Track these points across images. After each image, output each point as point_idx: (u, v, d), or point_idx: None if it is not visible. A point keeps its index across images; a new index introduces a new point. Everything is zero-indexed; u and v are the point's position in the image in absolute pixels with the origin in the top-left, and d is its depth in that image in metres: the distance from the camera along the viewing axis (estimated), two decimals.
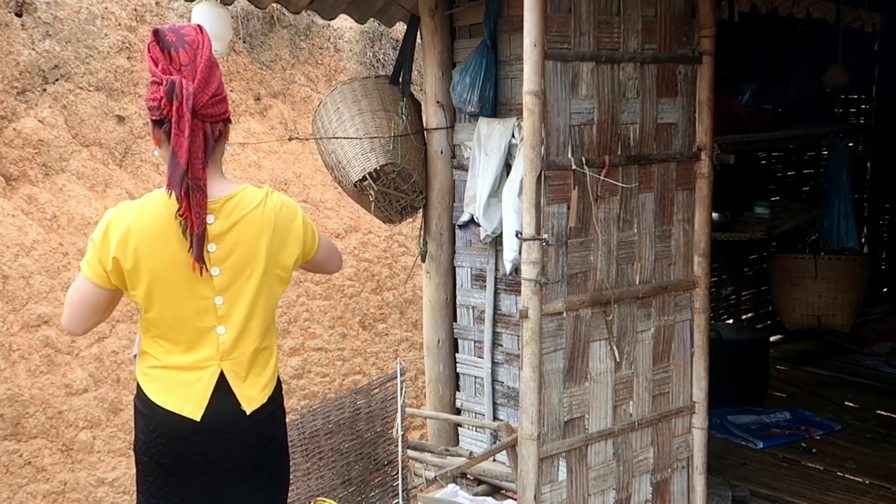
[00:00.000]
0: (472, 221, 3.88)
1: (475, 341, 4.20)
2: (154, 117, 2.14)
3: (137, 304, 2.22)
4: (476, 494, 4.13)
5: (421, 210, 4.28)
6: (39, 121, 5.64)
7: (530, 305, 3.09)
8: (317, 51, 7.65)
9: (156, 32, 2.14)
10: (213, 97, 2.13)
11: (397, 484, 3.50)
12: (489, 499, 4.11)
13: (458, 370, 4.31)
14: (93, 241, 2.17)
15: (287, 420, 2.55)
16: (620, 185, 3.38)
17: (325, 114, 4.21)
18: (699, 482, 3.78)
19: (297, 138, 5.25)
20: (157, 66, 2.11)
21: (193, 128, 2.09)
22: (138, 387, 2.28)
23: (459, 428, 4.36)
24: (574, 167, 3.22)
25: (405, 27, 4.37)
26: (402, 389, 3.59)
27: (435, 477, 3.59)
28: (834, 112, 6.98)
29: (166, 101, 2.07)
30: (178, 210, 2.10)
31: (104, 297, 2.21)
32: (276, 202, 2.27)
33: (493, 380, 4.11)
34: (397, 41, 6.75)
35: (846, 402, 5.54)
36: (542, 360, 3.15)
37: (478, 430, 4.24)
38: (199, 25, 2.21)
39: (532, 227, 3.04)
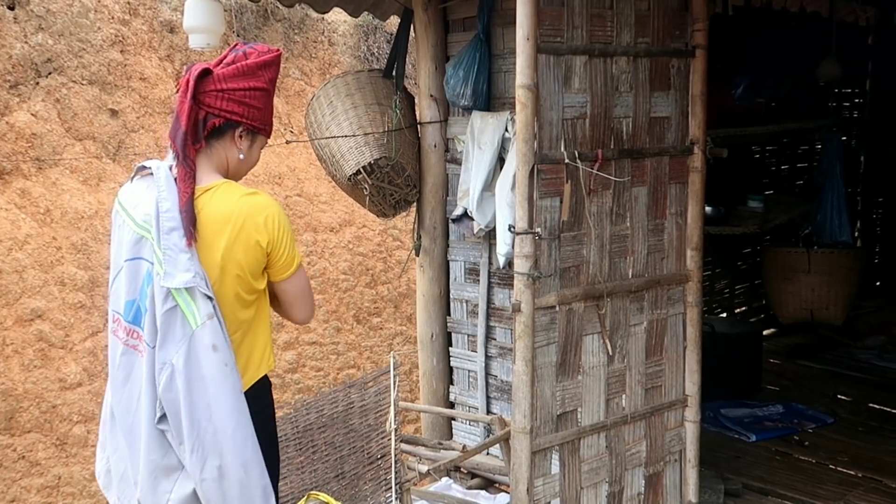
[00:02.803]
0: (465, 215, 3.88)
1: (469, 335, 4.21)
2: None
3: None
4: (469, 488, 4.15)
5: (415, 204, 4.28)
6: (32, 114, 5.63)
7: (523, 299, 3.09)
8: (311, 44, 7.63)
9: (235, 44, 2.30)
10: (221, 91, 2.19)
11: (390, 477, 3.50)
12: (483, 492, 4.12)
13: (452, 364, 4.31)
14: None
15: (280, 415, 2.55)
16: (613, 178, 3.38)
17: (318, 107, 4.20)
18: (692, 475, 3.80)
19: (295, 141, 5.28)
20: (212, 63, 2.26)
21: (191, 108, 2.17)
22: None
23: (453, 422, 4.37)
24: (567, 161, 3.22)
25: (399, 21, 4.36)
26: (395, 383, 3.60)
27: (428, 470, 3.59)
28: (827, 106, 6.99)
29: (183, 77, 2.20)
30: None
31: None
32: (249, 204, 2.21)
33: (487, 373, 4.12)
34: (391, 35, 6.73)
35: (839, 396, 5.56)
36: (534, 354, 3.16)
37: (471, 423, 4.25)
38: (277, 49, 2.31)
39: (525, 220, 3.05)
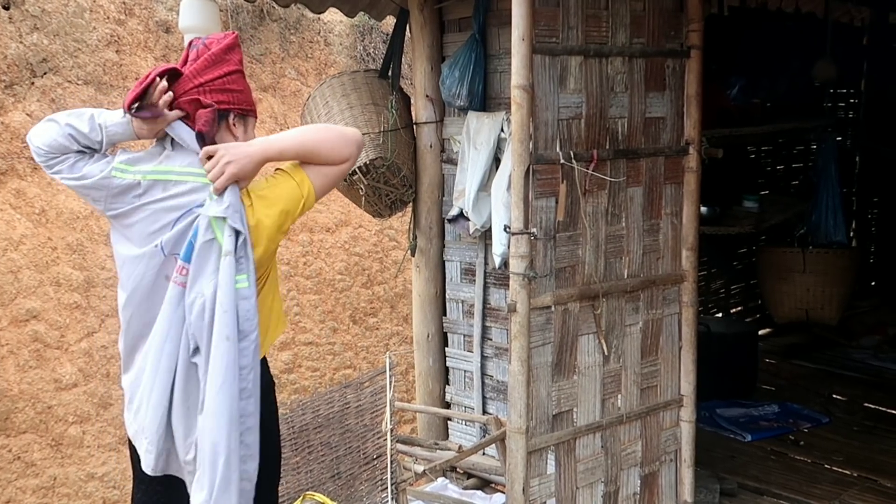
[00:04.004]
0: (461, 215, 3.89)
1: (465, 335, 4.21)
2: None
3: None
4: (465, 488, 4.15)
5: (411, 204, 4.28)
6: (27, 114, 5.62)
7: (519, 299, 3.10)
8: (307, 44, 7.63)
9: (190, 42, 2.29)
10: (202, 85, 2.18)
11: (386, 478, 3.50)
12: (478, 492, 4.13)
13: (448, 364, 4.32)
14: None
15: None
16: (609, 178, 3.39)
17: (314, 108, 4.20)
18: (687, 475, 3.80)
19: None
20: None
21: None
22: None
23: (449, 422, 4.37)
24: (562, 161, 3.22)
25: (395, 21, 4.36)
26: (391, 383, 3.59)
27: (424, 471, 3.59)
28: (823, 106, 7.00)
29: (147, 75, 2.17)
30: None
31: None
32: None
33: (483, 374, 4.12)
34: (387, 35, 6.73)
35: (834, 395, 5.57)
36: (530, 354, 3.16)
37: (467, 423, 4.25)
38: (232, 32, 2.29)
39: (520, 221, 3.05)
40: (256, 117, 2.36)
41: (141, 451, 2.22)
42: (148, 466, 2.20)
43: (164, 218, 2.18)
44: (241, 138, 2.29)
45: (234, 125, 2.27)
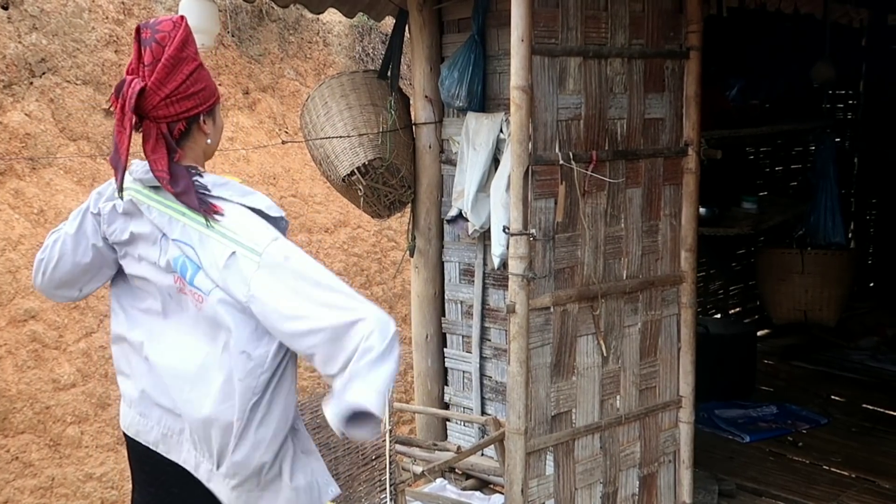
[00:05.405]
0: (460, 216, 3.89)
1: (463, 336, 4.21)
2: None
3: None
4: (464, 489, 4.15)
5: (409, 205, 4.28)
6: (26, 114, 5.61)
7: (517, 300, 3.10)
8: (306, 45, 7.63)
9: (137, 29, 2.12)
10: (167, 97, 2.06)
11: (385, 479, 3.50)
12: (477, 493, 4.12)
13: (447, 365, 4.32)
14: None
15: None
16: (607, 179, 3.39)
17: (313, 108, 4.20)
18: (686, 476, 3.80)
19: (289, 142, 5.28)
20: (131, 63, 2.11)
21: (146, 128, 2.08)
22: None
23: (448, 423, 4.37)
24: (561, 162, 3.22)
25: (394, 21, 4.36)
26: None
27: (423, 471, 3.59)
28: (821, 107, 7.01)
29: (113, 97, 2.06)
30: None
31: None
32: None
33: (482, 374, 4.12)
34: (386, 35, 6.73)
35: (832, 396, 5.57)
36: (529, 355, 3.16)
37: (466, 424, 4.25)
38: (180, 18, 2.14)
39: (519, 221, 3.05)
40: (219, 100, 2.26)
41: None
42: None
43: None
44: (211, 132, 2.20)
45: (205, 123, 2.16)
